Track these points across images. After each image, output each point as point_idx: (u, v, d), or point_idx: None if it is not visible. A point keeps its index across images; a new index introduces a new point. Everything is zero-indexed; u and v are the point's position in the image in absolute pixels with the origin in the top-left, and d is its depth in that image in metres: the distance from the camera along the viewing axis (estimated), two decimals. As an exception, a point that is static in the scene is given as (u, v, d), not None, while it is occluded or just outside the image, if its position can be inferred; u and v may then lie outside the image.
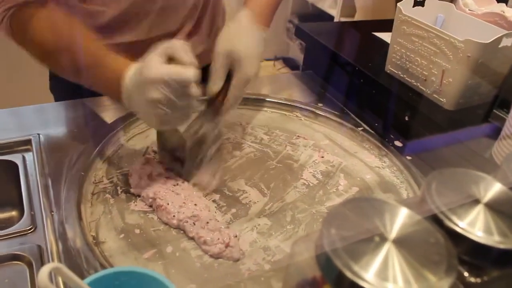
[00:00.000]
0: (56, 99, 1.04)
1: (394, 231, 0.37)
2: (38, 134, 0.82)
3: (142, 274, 0.45)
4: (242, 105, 0.96)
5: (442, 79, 0.89)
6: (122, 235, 0.66)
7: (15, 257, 0.60)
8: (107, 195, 0.72)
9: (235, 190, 0.76)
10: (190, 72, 0.61)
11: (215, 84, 0.73)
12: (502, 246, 0.37)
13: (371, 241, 0.36)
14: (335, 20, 2.65)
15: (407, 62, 0.96)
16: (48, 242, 0.62)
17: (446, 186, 0.43)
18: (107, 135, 0.82)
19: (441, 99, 0.91)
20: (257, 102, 0.99)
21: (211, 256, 0.64)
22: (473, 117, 0.92)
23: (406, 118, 0.92)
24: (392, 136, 0.91)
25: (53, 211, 0.67)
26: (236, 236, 0.66)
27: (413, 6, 0.97)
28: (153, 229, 0.68)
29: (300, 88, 1.10)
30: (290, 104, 1.00)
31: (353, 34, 1.26)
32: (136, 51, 0.67)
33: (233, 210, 0.72)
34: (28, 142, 0.80)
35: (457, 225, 0.39)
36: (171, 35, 0.94)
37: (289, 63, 3.25)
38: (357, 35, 1.25)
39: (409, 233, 0.37)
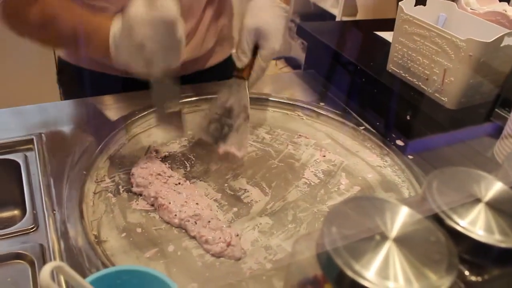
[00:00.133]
0: (64, 93, 1.07)
1: (395, 230, 0.37)
2: (40, 133, 0.82)
3: (144, 273, 0.45)
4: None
5: (444, 78, 0.89)
6: (124, 234, 0.66)
7: (17, 256, 0.60)
8: (109, 194, 0.72)
9: (236, 189, 0.76)
10: (173, 11, 0.64)
11: (244, 57, 0.77)
12: (503, 245, 0.37)
13: (372, 240, 0.36)
14: (337, 19, 2.65)
15: (408, 61, 0.96)
16: (50, 241, 0.62)
17: (447, 185, 0.43)
18: (109, 134, 0.82)
19: (442, 98, 0.91)
20: (259, 101, 0.99)
21: (212, 255, 0.64)
22: (474, 116, 0.92)
23: (408, 117, 0.92)
24: (393, 135, 0.91)
25: (55, 210, 0.67)
26: (237, 235, 0.66)
27: (415, 5, 0.97)
28: (154, 228, 0.68)
29: (302, 87, 1.10)
30: (291, 103, 1.00)
31: (354, 33, 1.26)
32: None
33: (235, 209, 0.72)
34: (30, 141, 0.80)
35: (458, 224, 0.39)
36: None
37: (291, 62, 3.25)
38: (359, 34, 1.25)
39: (409, 232, 0.37)
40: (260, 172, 0.81)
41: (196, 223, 0.66)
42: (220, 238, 0.64)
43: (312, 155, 0.87)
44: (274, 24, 0.77)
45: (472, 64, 0.84)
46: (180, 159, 0.82)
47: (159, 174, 0.74)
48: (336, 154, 0.88)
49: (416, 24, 0.92)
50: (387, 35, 1.18)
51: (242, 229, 0.69)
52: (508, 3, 0.99)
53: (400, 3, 0.95)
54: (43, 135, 0.82)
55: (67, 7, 0.75)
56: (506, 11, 0.94)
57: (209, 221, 0.66)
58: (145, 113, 0.89)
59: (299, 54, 3.12)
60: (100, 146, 0.79)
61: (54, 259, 0.60)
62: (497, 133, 0.84)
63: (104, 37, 0.70)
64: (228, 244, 0.64)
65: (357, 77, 1.04)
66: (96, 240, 0.64)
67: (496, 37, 0.81)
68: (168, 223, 0.68)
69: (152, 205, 0.71)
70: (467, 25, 0.93)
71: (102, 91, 0.96)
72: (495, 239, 0.38)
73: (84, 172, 0.73)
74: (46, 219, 0.66)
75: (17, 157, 0.77)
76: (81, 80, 1.01)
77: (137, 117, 0.88)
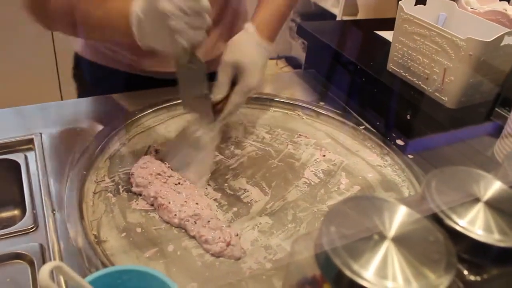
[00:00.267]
0: (78, 88, 1.08)
1: (393, 230, 0.37)
2: (40, 133, 0.82)
3: (144, 272, 0.45)
4: (244, 104, 0.96)
5: (444, 78, 0.89)
6: (123, 234, 0.66)
7: (17, 256, 0.60)
8: (109, 194, 0.72)
9: (236, 189, 0.76)
10: None
11: (220, 90, 0.75)
12: (502, 245, 0.37)
13: (371, 239, 0.36)
14: (337, 18, 2.64)
15: (409, 61, 0.96)
16: (50, 241, 0.63)
17: (446, 185, 0.43)
18: (109, 134, 0.82)
19: (443, 97, 0.91)
20: (259, 101, 0.99)
21: (212, 255, 0.64)
22: (475, 115, 0.92)
23: (408, 117, 0.92)
24: (394, 135, 0.91)
25: (55, 210, 0.67)
26: (237, 235, 0.66)
27: (415, 5, 0.97)
28: (154, 228, 0.68)
29: (302, 87, 1.10)
30: (292, 103, 1.00)
31: (355, 33, 1.26)
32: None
33: (235, 209, 0.72)
34: (30, 141, 0.80)
35: (457, 223, 0.39)
36: None
37: (291, 62, 3.25)
38: (359, 33, 1.25)
39: (408, 232, 0.37)
40: (260, 171, 0.81)
41: (195, 223, 0.66)
42: (219, 237, 0.64)
43: (312, 155, 0.87)
44: (253, 61, 0.76)
45: (472, 63, 0.83)
46: (180, 159, 0.82)
47: (159, 174, 0.74)
48: (336, 153, 0.88)
49: (416, 23, 0.91)
50: (387, 35, 1.18)
51: (242, 228, 0.69)
52: (508, 2, 0.99)
53: (400, 2, 0.95)
54: (43, 135, 0.82)
55: None
56: (506, 10, 0.94)
57: (208, 221, 0.66)
58: (146, 113, 0.89)
59: (300, 54, 3.12)
60: (100, 146, 0.79)
61: (54, 259, 0.60)
62: (497, 132, 0.84)
63: (126, 19, 0.68)
64: (228, 244, 0.64)
65: (357, 76, 1.04)
66: (96, 240, 0.64)
67: (496, 36, 0.81)
68: (167, 223, 0.68)
69: (152, 205, 0.71)
70: (467, 24, 0.93)
71: (116, 87, 0.97)
72: (494, 238, 0.38)
73: (84, 172, 0.73)
74: (46, 219, 0.66)
75: (17, 157, 0.77)
76: (95, 76, 1.02)
77: (137, 117, 0.88)
